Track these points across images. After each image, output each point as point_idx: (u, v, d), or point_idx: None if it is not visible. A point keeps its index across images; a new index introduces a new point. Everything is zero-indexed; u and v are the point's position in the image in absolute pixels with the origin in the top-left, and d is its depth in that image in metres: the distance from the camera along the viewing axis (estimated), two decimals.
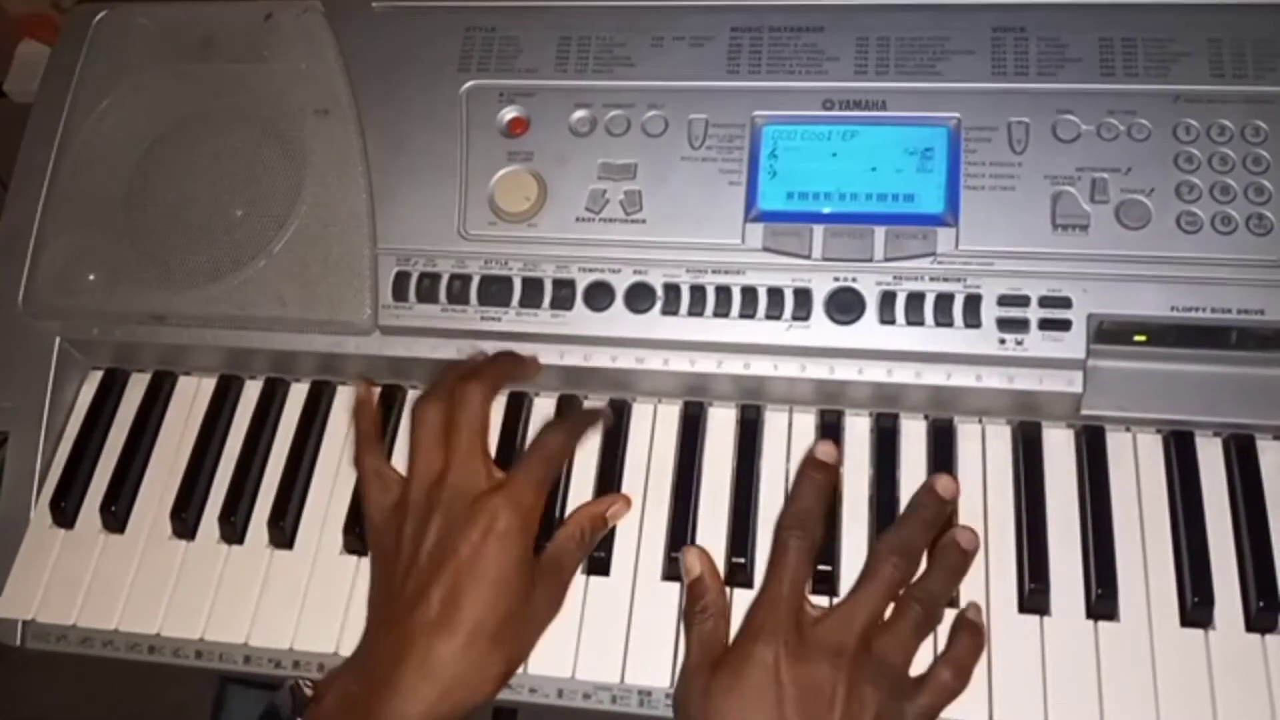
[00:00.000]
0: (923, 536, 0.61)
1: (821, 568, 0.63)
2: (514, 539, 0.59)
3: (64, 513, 0.71)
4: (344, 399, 0.73)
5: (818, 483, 0.62)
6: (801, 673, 0.55)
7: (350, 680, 0.59)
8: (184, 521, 0.70)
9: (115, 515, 0.71)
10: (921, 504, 0.63)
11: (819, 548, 0.61)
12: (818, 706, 0.55)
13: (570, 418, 0.68)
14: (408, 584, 0.59)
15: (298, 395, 0.74)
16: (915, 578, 0.60)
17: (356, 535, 0.68)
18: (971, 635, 0.60)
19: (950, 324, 0.65)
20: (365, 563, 0.67)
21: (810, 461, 0.63)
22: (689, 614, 0.61)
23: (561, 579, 0.63)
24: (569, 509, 0.67)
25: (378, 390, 0.71)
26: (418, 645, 0.57)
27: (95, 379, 0.76)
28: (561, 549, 0.63)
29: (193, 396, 0.75)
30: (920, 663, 0.59)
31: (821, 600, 0.62)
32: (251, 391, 0.75)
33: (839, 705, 0.55)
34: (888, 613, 0.59)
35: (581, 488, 0.68)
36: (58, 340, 0.75)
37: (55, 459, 0.73)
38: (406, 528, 0.61)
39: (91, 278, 0.73)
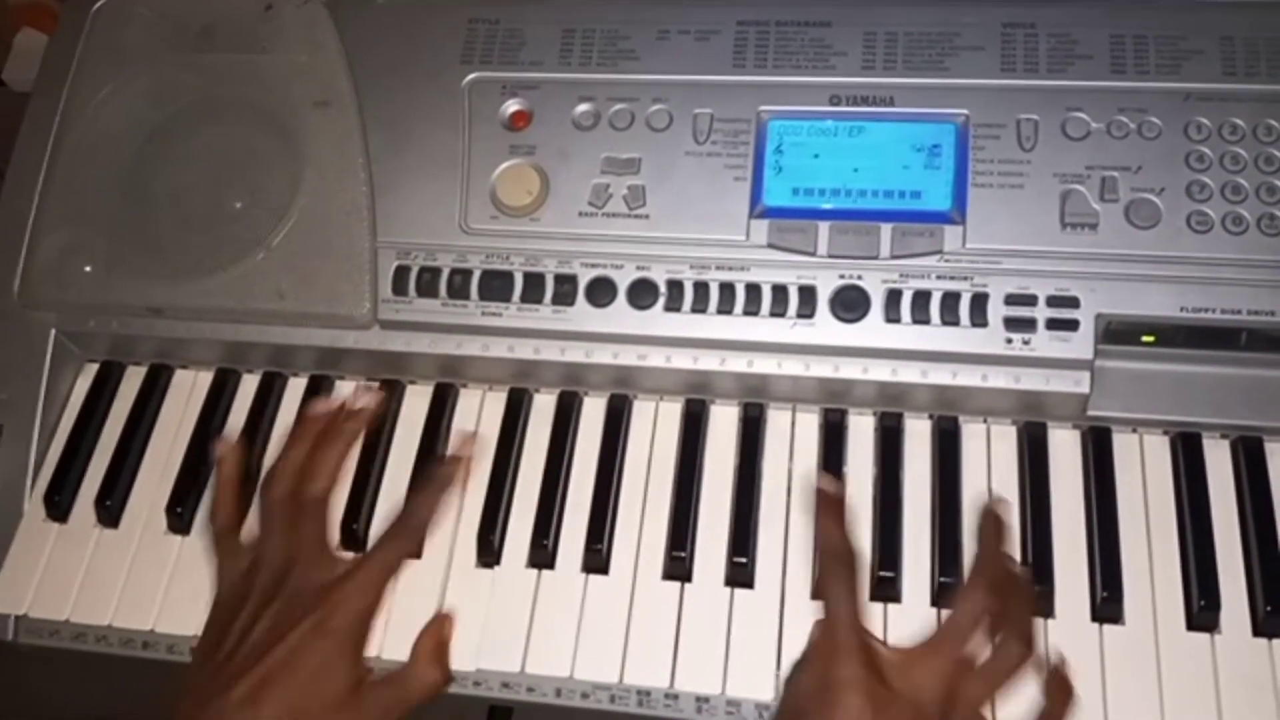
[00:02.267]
0: (1005, 571, 0.58)
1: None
2: (341, 643, 0.57)
3: (58, 507, 0.70)
4: (343, 393, 0.72)
5: (837, 515, 0.59)
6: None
7: None
8: (179, 516, 0.69)
9: (110, 510, 0.70)
10: (988, 532, 0.59)
11: (858, 573, 0.57)
12: None
13: (410, 516, 0.63)
14: (231, 662, 0.57)
15: (295, 389, 0.73)
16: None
17: (353, 531, 0.67)
18: (1063, 694, 0.56)
19: (956, 323, 0.64)
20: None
21: (823, 501, 0.59)
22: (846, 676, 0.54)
23: (396, 709, 0.59)
24: (567, 511, 0.67)
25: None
26: None
27: (91, 372, 0.75)
28: (411, 680, 0.59)
29: (189, 390, 0.74)
30: None
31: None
32: (249, 385, 0.74)
33: None
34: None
35: (581, 486, 0.67)
36: (53, 332, 0.74)
37: (50, 452, 0.73)
38: (247, 605, 0.59)
39: (88, 269, 0.73)
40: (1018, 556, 0.62)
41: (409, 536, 0.62)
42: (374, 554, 0.61)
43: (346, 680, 0.57)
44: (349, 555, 0.62)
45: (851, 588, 0.56)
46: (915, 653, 0.55)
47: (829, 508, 0.59)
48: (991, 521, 0.60)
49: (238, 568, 0.62)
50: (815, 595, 0.62)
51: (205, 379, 0.74)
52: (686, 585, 0.64)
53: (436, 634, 0.61)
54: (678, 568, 0.64)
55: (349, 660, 0.58)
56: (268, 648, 0.56)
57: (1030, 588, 0.60)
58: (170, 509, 0.69)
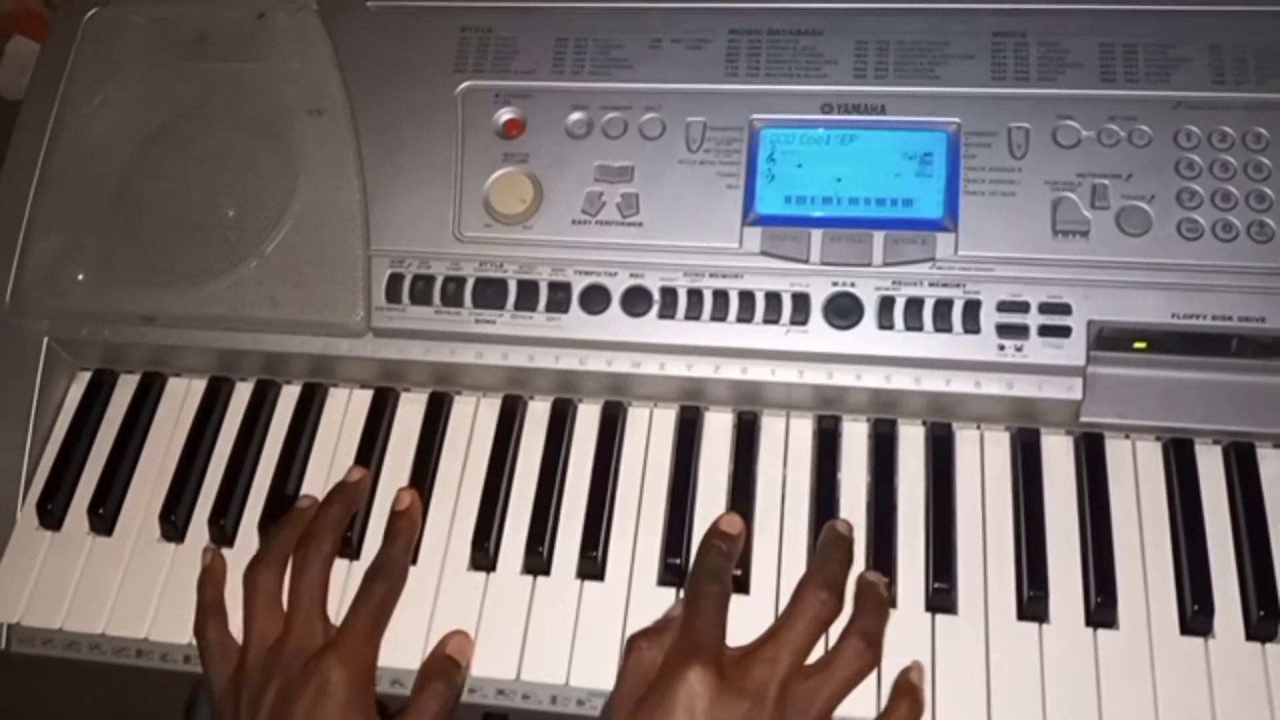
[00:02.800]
0: (843, 573, 0.61)
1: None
2: (350, 696, 0.58)
3: (51, 515, 0.70)
4: (337, 401, 0.73)
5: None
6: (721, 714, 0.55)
7: None
8: (173, 524, 0.69)
9: (103, 517, 0.70)
10: (831, 542, 0.62)
11: (728, 596, 0.60)
12: None
13: (384, 555, 0.64)
14: None
15: (289, 398, 0.73)
16: (852, 619, 0.60)
17: (346, 540, 0.67)
18: (912, 704, 0.58)
19: (949, 330, 0.64)
20: (356, 566, 0.66)
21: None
22: (637, 638, 0.60)
23: None
24: (562, 518, 0.67)
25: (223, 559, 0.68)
26: None
27: (84, 380, 0.75)
28: (422, 703, 0.60)
29: (182, 398, 0.74)
30: None
31: None
32: (242, 393, 0.74)
33: None
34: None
35: (576, 493, 0.67)
36: (45, 340, 0.74)
37: (42, 460, 0.72)
38: (244, 695, 0.60)
39: (80, 277, 0.72)
40: (1011, 560, 0.63)
41: (388, 574, 0.63)
42: (358, 604, 0.62)
43: None
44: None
45: (720, 607, 0.59)
46: (750, 648, 0.58)
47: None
48: (833, 529, 0.62)
49: (228, 671, 0.62)
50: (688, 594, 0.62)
51: (198, 387, 0.74)
52: (682, 591, 0.64)
53: (440, 650, 0.62)
54: (673, 574, 0.64)
55: (362, 711, 0.58)
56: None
57: (882, 594, 0.61)
58: (164, 517, 0.69)
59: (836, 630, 0.60)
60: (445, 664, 0.62)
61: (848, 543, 0.62)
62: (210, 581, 0.66)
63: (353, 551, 0.67)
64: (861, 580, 0.62)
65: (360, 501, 0.68)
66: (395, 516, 0.66)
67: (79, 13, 0.79)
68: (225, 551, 0.68)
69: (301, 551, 0.64)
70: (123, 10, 0.78)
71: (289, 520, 0.66)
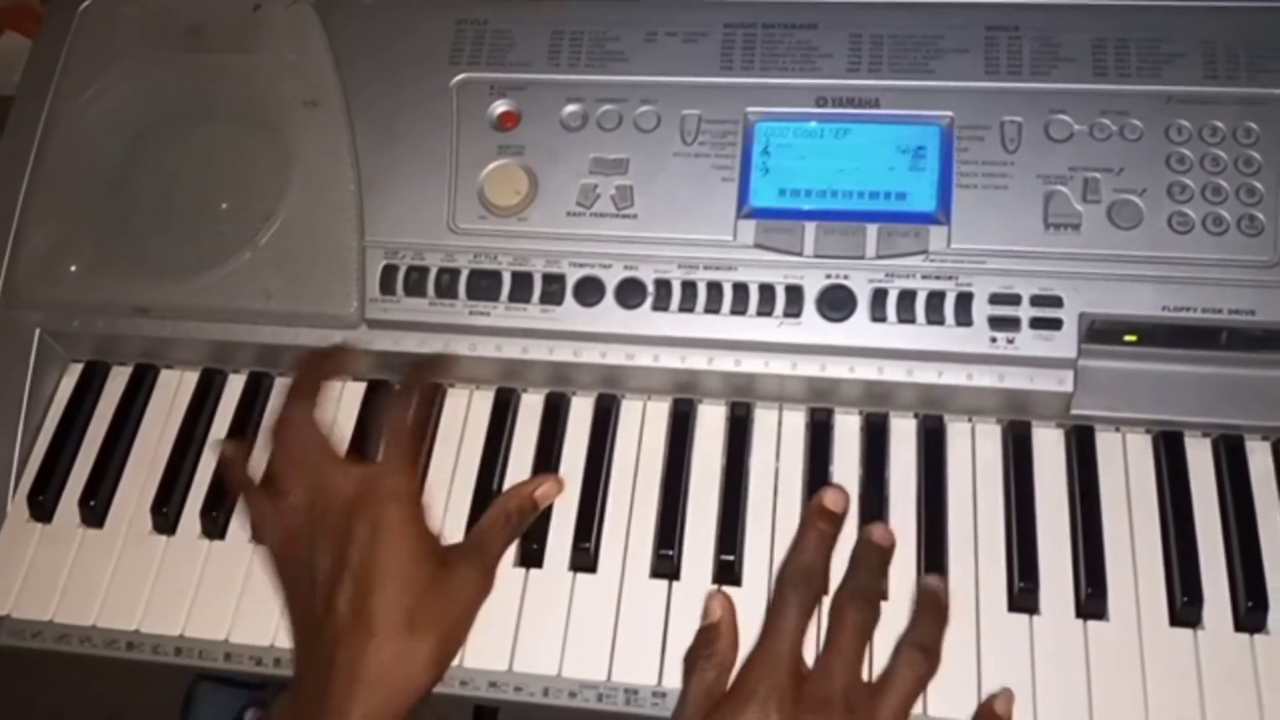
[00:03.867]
0: (878, 580, 0.60)
1: None
2: (403, 528, 0.59)
3: (42, 507, 0.70)
4: (329, 394, 0.72)
5: (825, 535, 0.60)
6: None
7: (288, 704, 0.59)
8: (164, 516, 0.69)
9: (94, 510, 0.70)
10: (863, 554, 0.60)
11: (820, 600, 0.58)
12: None
13: (404, 384, 0.66)
14: (315, 603, 0.58)
15: (282, 389, 0.72)
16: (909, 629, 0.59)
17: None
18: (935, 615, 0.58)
19: (941, 322, 0.64)
20: None
21: (819, 510, 0.61)
22: (693, 657, 0.59)
23: (485, 562, 0.62)
24: (555, 510, 0.66)
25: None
26: (339, 654, 0.56)
27: (75, 371, 0.75)
28: (486, 530, 0.63)
29: (175, 390, 0.74)
30: None
31: None
32: (235, 385, 0.74)
33: None
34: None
35: (569, 485, 0.67)
36: (38, 332, 0.73)
37: (34, 452, 0.72)
38: (299, 545, 0.60)
39: (73, 269, 0.72)
40: (1002, 552, 0.63)
41: (415, 407, 0.64)
42: (388, 447, 0.62)
43: (428, 553, 0.59)
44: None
45: (804, 616, 0.57)
46: (819, 676, 0.56)
47: (823, 519, 0.60)
48: (869, 540, 0.60)
49: (272, 520, 0.63)
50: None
51: (191, 379, 0.74)
52: (674, 583, 0.64)
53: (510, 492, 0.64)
54: (665, 566, 0.64)
55: (419, 535, 0.60)
56: (342, 567, 0.57)
57: (941, 601, 0.60)
58: (155, 509, 0.69)
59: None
60: (511, 501, 0.64)
61: (882, 551, 0.60)
62: (236, 463, 0.67)
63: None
64: (921, 587, 0.61)
65: (347, 366, 0.69)
66: (413, 374, 0.67)
67: (73, 5, 0.78)
68: (216, 544, 0.68)
69: (286, 412, 0.64)
70: (117, 2, 0.78)
71: (295, 392, 0.65)
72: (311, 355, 0.67)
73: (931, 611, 0.59)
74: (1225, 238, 0.63)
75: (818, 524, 0.60)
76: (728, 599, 0.60)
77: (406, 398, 0.64)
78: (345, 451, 0.69)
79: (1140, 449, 0.65)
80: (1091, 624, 0.61)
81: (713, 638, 0.59)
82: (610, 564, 0.65)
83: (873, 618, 0.58)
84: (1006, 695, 0.59)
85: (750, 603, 0.62)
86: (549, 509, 0.67)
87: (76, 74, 0.77)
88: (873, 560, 0.60)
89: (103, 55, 0.77)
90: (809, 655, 0.57)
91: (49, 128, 0.75)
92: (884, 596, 0.60)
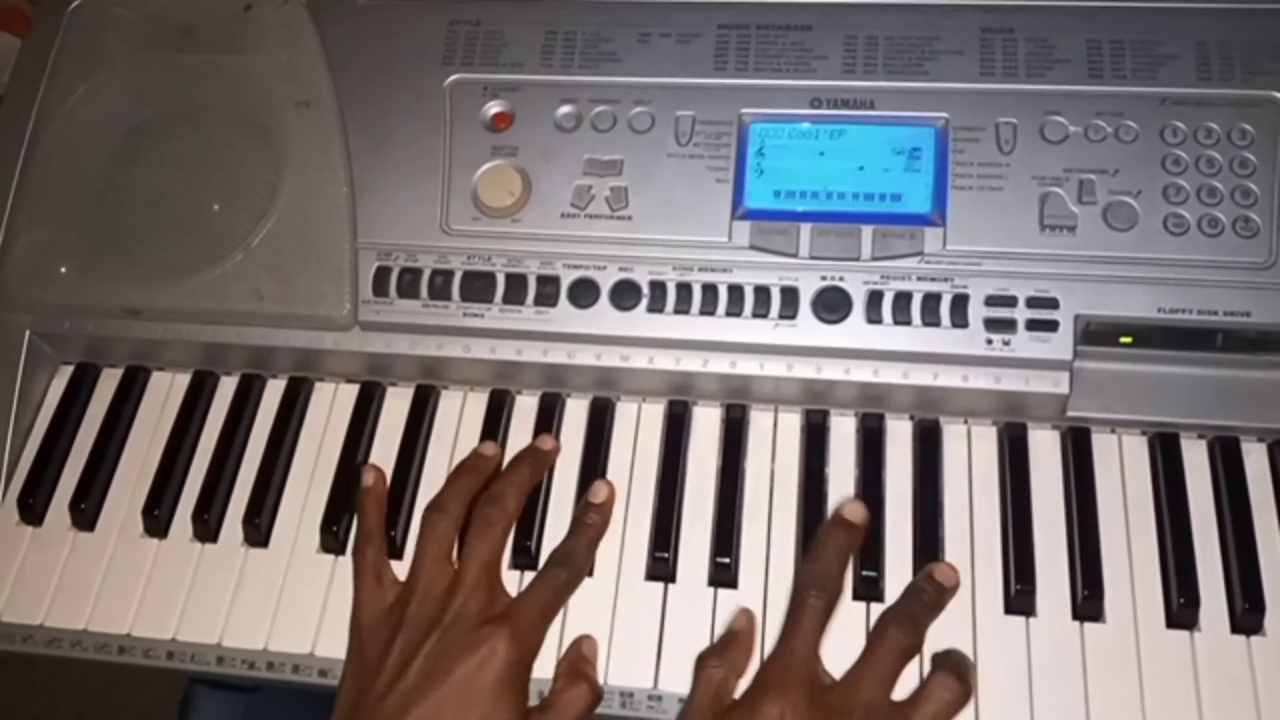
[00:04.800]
0: (929, 614, 0.59)
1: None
2: (510, 676, 0.57)
3: (32, 510, 0.69)
4: (322, 395, 0.72)
5: (842, 543, 0.60)
6: None
7: None
8: (156, 519, 0.68)
9: (85, 513, 0.69)
10: (922, 588, 0.60)
11: (836, 606, 0.59)
12: None
13: (572, 544, 0.63)
14: (390, 697, 0.57)
15: (274, 391, 0.72)
16: (944, 653, 0.59)
17: (333, 533, 0.66)
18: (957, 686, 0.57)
19: (937, 324, 0.64)
20: (343, 561, 0.66)
21: (838, 521, 0.61)
22: (706, 657, 0.59)
23: None
24: (550, 514, 0.66)
25: (388, 480, 0.68)
26: None
27: (66, 374, 0.74)
28: (566, 701, 0.59)
29: (166, 392, 0.74)
30: None
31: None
32: (227, 387, 0.73)
33: None
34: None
35: (564, 489, 0.67)
36: (28, 334, 0.73)
37: (24, 455, 0.72)
38: (400, 638, 0.59)
39: (63, 270, 0.72)
40: (998, 555, 0.63)
41: (573, 563, 0.62)
42: (539, 586, 0.61)
43: (516, 712, 0.57)
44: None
45: (822, 621, 0.58)
46: (845, 686, 0.56)
47: (842, 529, 0.60)
48: (924, 579, 0.60)
49: (383, 604, 0.61)
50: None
51: (182, 381, 0.74)
52: (670, 586, 0.64)
53: (577, 653, 0.61)
54: (661, 568, 0.64)
55: (517, 693, 0.57)
56: (431, 682, 0.56)
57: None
58: (147, 512, 0.69)
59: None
60: (586, 666, 0.61)
61: (939, 587, 0.60)
62: (374, 503, 0.65)
63: (339, 547, 0.67)
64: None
65: (545, 472, 0.67)
66: (589, 508, 0.64)
67: (63, 5, 0.78)
68: (208, 547, 0.68)
69: (487, 510, 0.63)
70: (107, 2, 0.78)
71: (468, 467, 0.66)
72: (516, 464, 0.66)
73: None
74: (1220, 239, 0.63)
75: (836, 533, 0.60)
76: (753, 615, 0.61)
77: (577, 557, 0.63)
78: (340, 454, 0.69)
79: (1136, 451, 0.65)
80: (1088, 626, 0.61)
81: (729, 642, 0.60)
82: (606, 567, 0.65)
83: (915, 644, 0.58)
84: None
85: (746, 605, 0.62)
86: (544, 512, 0.66)
87: (66, 75, 0.76)
88: (929, 594, 0.59)
89: (92, 56, 0.76)
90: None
91: (38, 129, 0.75)
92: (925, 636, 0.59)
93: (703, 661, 0.59)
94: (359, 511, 0.66)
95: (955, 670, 0.56)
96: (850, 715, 0.55)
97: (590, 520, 0.64)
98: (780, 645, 0.57)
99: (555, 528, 0.66)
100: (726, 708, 0.57)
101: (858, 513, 0.61)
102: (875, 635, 0.58)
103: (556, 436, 0.69)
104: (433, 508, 0.64)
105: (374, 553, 0.64)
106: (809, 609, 0.57)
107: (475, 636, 0.58)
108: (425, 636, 0.58)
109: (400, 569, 0.64)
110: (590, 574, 0.64)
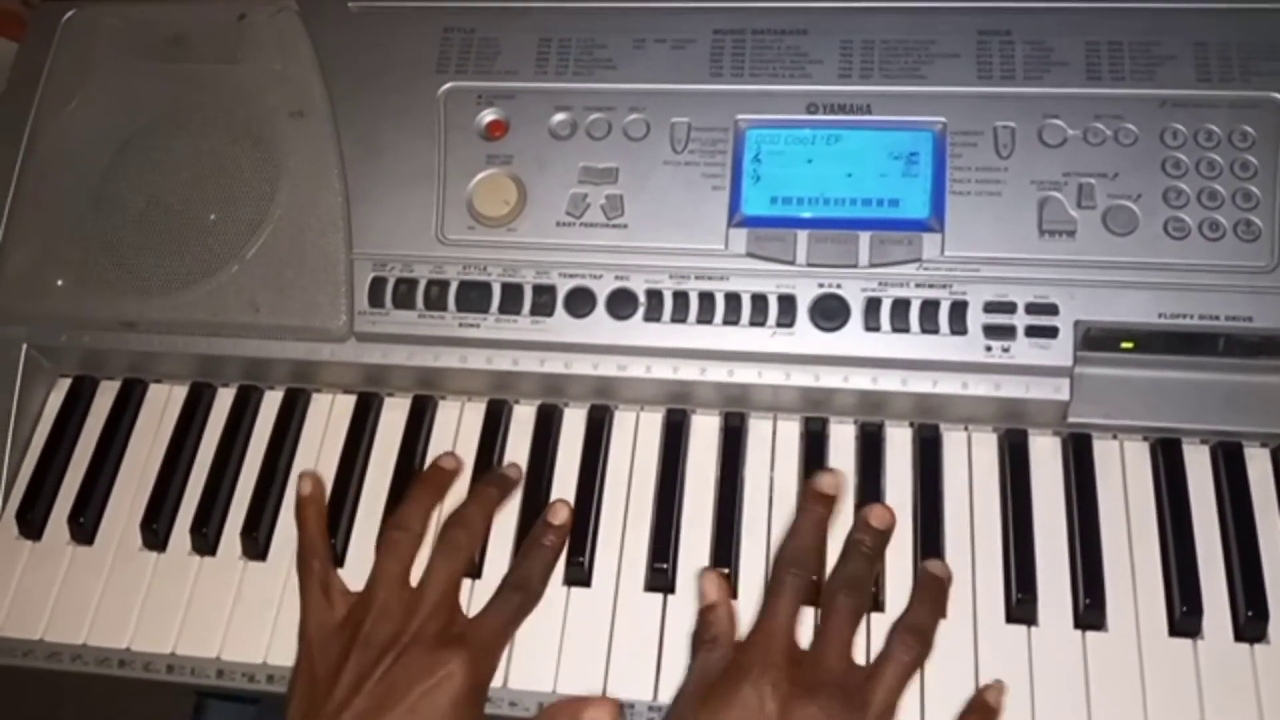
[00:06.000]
0: (868, 566, 0.60)
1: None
2: (467, 698, 0.57)
3: (30, 524, 0.69)
4: (319, 407, 0.72)
5: (820, 518, 0.60)
6: (788, 712, 0.54)
7: None
8: (154, 533, 0.68)
9: (83, 526, 0.69)
10: (856, 541, 0.60)
11: (814, 582, 0.59)
12: None
13: (527, 569, 0.63)
14: (343, 717, 0.56)
15: (271, 403, 0.72)
16: (904, 612, 0.59)
17: (331, 546, 0.66)
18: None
19: (936, 331, 0.64)
20: (341, 574, 0.65)
21: (813, 494, 0.61)
22: (698, 640, 0.59)
23: None
24: None
25: (328, 487, 0.67)
26: None
27: (63, 386, 0.74)
28: None
29: (163, 405, 0.73)
30: None
31: None
32: (224, 399, 0.73)
33: None
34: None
35: (563, 495, 0.67)
36: (24, 347, 0.73)
37: (22, 469, 0.72)
38: (354, 656, 0.58)
39: (59, 283, 0.72)
40: (999, 562, 0.62)
41: (527, 588, 0.62)
42: (495, 609, 0.61)
43: None
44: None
45: (799, 599, 0.58)
46: (811, 661, 0.57)
47: (818, 502, 0.61)
48: (856, 532, 0.60)
49: (332, 618, 0.61)
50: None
51: (179, 393, 0.73)
52: (669, 597, 0.63)
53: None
54: (660, 579, 0.64)
55: (472, 717, 0.57)
56: (387, 704, 0.55)
57: (943, 588, 0.60)
58: (145, 525, 0.68)
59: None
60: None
61: (877, 533, 0.60)
62: (315, 512, 0.65)
63: (335, 560, 0.66)
64: (921, 570, 0.61)
65: (510, 494, 0.66)
66: (547, 529, 0.64)
67: (57, 14, 0.78)
68: (206, 560, 0.68)
69: (454, 532, 0.62)
70: (101, 11, 0.77)
71: (429, 482, 0.65)
72: (484, 485, 0.66)
73: (928, 596, 0.60)
74: (1222, 243, 0.63)
75: (813, 507, 0.61)
76: (719, 576, 0.61)
77: (533, 581, 0.62)
78: (337, 466, 0.69)
79: (1138, 457, 0.65)
80: (1090, 635, 0.60)
81: (712, 620, 0.59)
82: (605, 578, 0.64)
83: (862, 603, 0.59)
84: (998, 686, 0.59)
85: (744, 613, 0.62)
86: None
87: (60, 84, 0.76)
88: (866, 545, 0.60)
89: (86, 67, 0.76)
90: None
91: (33, 140, 0.75)
92: (877, 581, 0.60)
93: (699, 643, 0.59)
94: (299, 521, 0.65)
95: (912, 628, 0.57)
96: (824, 688, 0.55)
97: (548, 541, 0.63)
98: (758, 625, 0.58)
99: None
100: (707, 688, 0.56)
101: (831, 483, 0.61)
102: (825, 606, 0.58)
103: (554, 447, 0.68)
104: (394, 525, 0.63)
105: (320, 564, 0.63)
106: (786, 588, 0.58)
107: (433, 659, 0.57)
108: (381, 656, 0.58)
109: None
110: (588, 584, 0.64)
